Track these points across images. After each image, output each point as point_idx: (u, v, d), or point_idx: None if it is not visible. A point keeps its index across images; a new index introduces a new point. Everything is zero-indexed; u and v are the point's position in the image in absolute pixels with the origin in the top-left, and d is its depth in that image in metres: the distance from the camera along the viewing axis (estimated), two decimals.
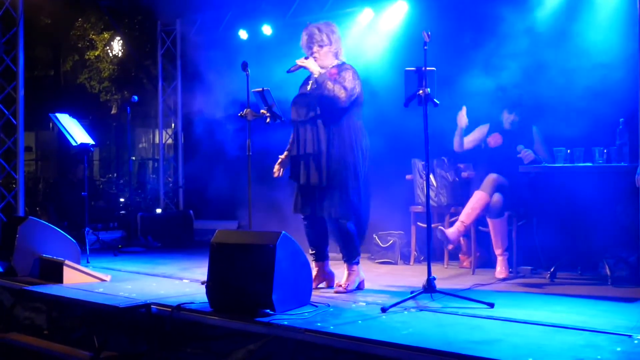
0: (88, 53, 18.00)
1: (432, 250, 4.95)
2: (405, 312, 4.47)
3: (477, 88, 6.31)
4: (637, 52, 5.24)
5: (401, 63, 5.97)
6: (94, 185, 12.05)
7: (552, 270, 5.77)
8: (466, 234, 6.23)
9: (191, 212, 9.77)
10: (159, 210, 10.49)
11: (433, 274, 4.77)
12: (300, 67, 5.29)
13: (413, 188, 7.03)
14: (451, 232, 5.95)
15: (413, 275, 6.09)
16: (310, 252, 5.42)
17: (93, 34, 17.79)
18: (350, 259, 5.34)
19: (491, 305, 4.53)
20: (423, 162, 5.98)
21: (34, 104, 13.78)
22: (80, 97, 18.10)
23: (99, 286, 5.71)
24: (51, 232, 6.45)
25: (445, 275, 6.06)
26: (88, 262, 7.04)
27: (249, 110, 5.58)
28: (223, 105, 8.47)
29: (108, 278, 6.08)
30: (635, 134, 5.36)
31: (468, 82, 6.41)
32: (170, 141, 11.77)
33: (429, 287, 4.74)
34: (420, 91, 4.72)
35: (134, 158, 18.08)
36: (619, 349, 3.47)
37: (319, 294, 5.10)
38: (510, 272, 6.01)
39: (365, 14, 8.05)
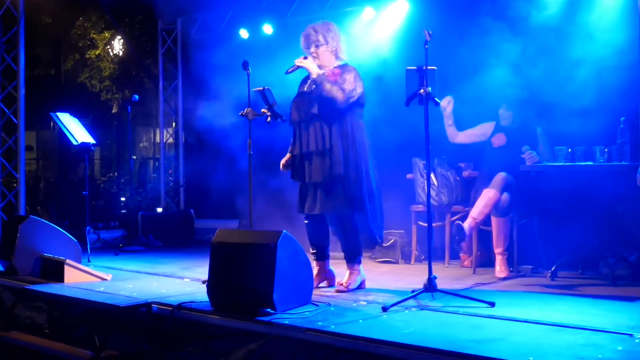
0: (89, 52, 18.00)
1: (432, 250, 4.95)
2: (406, 311, 4.47)
3: (477, 88, 6.30)
4: (639, 51, 5.24)
5: (402, 62, 5.97)
6: (94, 185, 12.06)
7: (553, 269, 5.77)
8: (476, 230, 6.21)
9: (192, 211, 9.78)
10: (159, 210, 10.49)
11: (434, 273, 4.77)
12: (299, 67, 5.29)
13: (414, 187, 7.03)
14: (465, 227, 5.94)
15: (414, 275, 6.09)
16: (311, 251, 5.42)
17: (94, 33, 17.80)
18: (353, 258, 5.33)
19: (492, 305, 4.53)
20: (424, 161, 5.98)
21: (35, 103, 13.80)
22: (81, 96, 18.11)
23: (99, 285, 5.71)
24: (52, 231, 6.45)
25: (446, 275, 6.06)
26: (89, 261, 7.04)
27: (249, 109, 5.58)
28: (224, 105, 8.46)
29: (109, 277, 6.08)
30: (636, 133, 5.37)
31: (469, 81, 6.41)
32: (171, 140, 11.77)
33: (430, 286, 4.74)
34: (421, 90, 4.72)
35: (134, 157, 18.08)
36: (620, 348, 3.46)
37: (320, 293, 5.11)
38: (511, 271, 6.01)
39: (366, 13, 8.05)
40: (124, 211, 11.25)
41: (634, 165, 5.26)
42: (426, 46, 4.71)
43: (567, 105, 6.06)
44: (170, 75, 10.95)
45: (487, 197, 5.95)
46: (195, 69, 9.67)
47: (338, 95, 5.13)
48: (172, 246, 8.95)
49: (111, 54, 18.13)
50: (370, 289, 5.40)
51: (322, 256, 5.47)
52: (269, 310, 4.31)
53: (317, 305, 4.57)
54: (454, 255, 6.75)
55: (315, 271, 5.32)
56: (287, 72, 5.35)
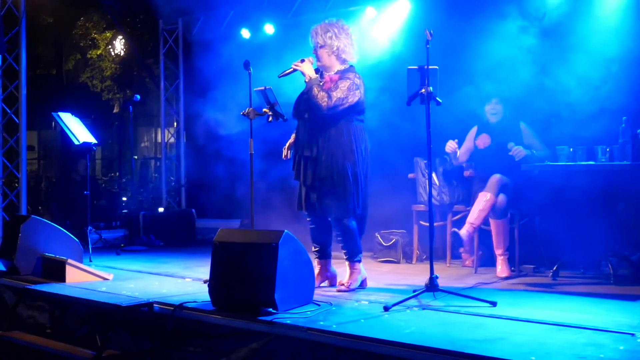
0: (90, 52, 18.00)
1: (434, 249, 4.95)
2: (408, 311, 4.47)
3: (478, 87, 6.31)
4: None
5: (403, 62, 5.97)
6: (96, 184, 12.06)
7: (554, 268, 5.76)
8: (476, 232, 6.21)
9: (193, 210, 9.78)
10: (161, 209, 10.50)
11: (435, 273, 4.77)
12: (294, 70, 5.29)
13: (415, 187, 7.03)
14: (462, 233, 5.94)
15: (415, 274, 6.10)
16: (313, 250, 5.43)
17: (95, 33, 17.80)
18: (352, 257, 5.34)
19: (494, 304, 4.53)
20: (425, 161, 5.98)
21: (37, 103, 13.80)
22: (82, 96, 18.11)
23: (101, 285, 5.71)
24: (54, 231, 6.46)
25: (448, 274, 6.06)
26: (90, 260, 7.04)
27: (251, 109, 5.58)
28: (225, 104, 8.46)
29: (110, 277, 6.08)
30: (637, 133, 5.36)
31: (470, 81, 6.41)
32: (172, 140, 11.78)
33: (432, 286, 4.73)
34: (423, 90, 4.72)
35: (136, 157, 18.09)
36: (621, 347, 3.46)
37: (322, 293, 5.10)
38: (512, 271, 6.01)
39: (367, 13, 8.05)
40: (125, 211, 11.27)
41: (636, 165, 5.26)
42: (427, 46, 4.71)
43: (568, 104, 6.06)
44: (172, 75, 10.96)
45: (482, 201, 5.95)
46: (197, 69, 9.67)
47: (322, 102, 5.13)
48: (174, 246, 8.96)
49: (112, 53, 18.13)
50: (372, 288, 5.40)
51: (324, 255, 5.47)
52: (270, 309, 4.31)
53: (319, 305, 4.57)
54: (456, 255, 6.75)
55: (316, 270, 5.32)
56: (280, 76, 5.35)
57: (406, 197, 7.14)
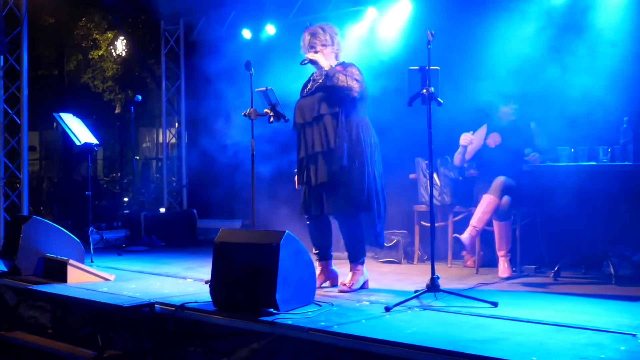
0: (92, 52, 18.01)
1: (435, 250, 4.95)
2: (409, 311, 4.47)
3: (479, 87, 6.30)
4: None
5: (404, 62, 5.97)
6: (98, 185, 12.07)
7: (556, 269, 5.76)
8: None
9: (195, 211, 9.79)
10: (162, 210, 10.51)
11: (437, 273, 4.77)
12: (311, 60, 5.28)
13: (417, 187, 7.03)
14: (465, 237, 5.93)
15: (417, 275, 6.10)
16: (314, 251, 5.42)
17: (97, 34, 17.81)
18: (356, 258, 5.33)
19: (495, 305, 4.53)
20: (427, 161, 5.98)
21: (38, 103, 13.81)
22: (84, 96, 18.12)
23: (102, 285, 5.71)
24: (55, 231, 6.46)
25: (449, 275, 6.07)
26: (92, 261, 7.05)
27: (252, 109, 5.58)
28: (226, 105, 8.47)
29: (112, 277, 6.09)
30: (639, 133, 5.35)
31: (471, 80, 6.41)
32: (173, 140, 11.79)
33: (433, 286, 4.73)
34: (424, 90, 4.72)
35: (137, 157, 18.11)
36: (622, 347, 3.46)
37: (323, 293, 5.11)
38: (514, 271, 6.00)
39: (369, 13, 8.06)
40: (126, 211, 11.27)
41: (637, 165, 5.26)
42: (429, 46, 4.71)
43: (570, 104, 6.06)
44: (173, 76, 10.97)
45: (486, 203, 5.94)
46: (198, 70, 9.67)
47: (354, 84, 5.14)
48: (175, 246, 8.96)
49: (114, 54, 18.14)
50: (373, 289, 5.40)
51: (325, 256, 5.47)
52: (271, 310, 4.31)
53: (320, 305, 4.57)
54: (457, 255, 6.74)
55: (318, 271, 5.32)
56: (302, 63, 5.33)
57: (407, 198, 7.14)
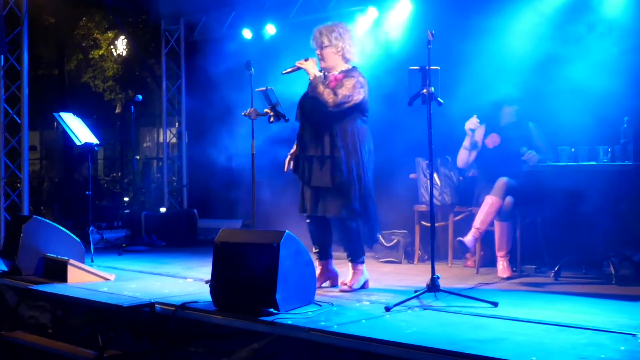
0: (92, 52, 18.01)
1: (435, 250, 4.95)
2: (409, 311, 4.47)
3: (480, 86, 6.30)
4: None
5: (405, 62, 5.97)
6: (98, 185, 12.07)
7: (556, 269, 5.76)
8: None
9: (195, 211, 9.78)
10: (163, 210, 10.51)
11: (437, 273, 4.77)
12: (299, 68, 5.29)
13: (417, 187, 7.03)
14: (468, 240, 5.91)
15: (417, 274, 6.09)
16: (314, 250, 5.43)
17: (97, 33, 17.80)
18: (356, 258, 5.34)
19: (495, 304, 4.53)
20: (427, 161, 5.98)
21: (38, 103, 13.82)
22: (84, 96, 18.12)
23: (103, 285, 5.72)
24: (55, 231, 6.46)
25: (449, 275, 6.06)
26: (92, 261, 7.05)
27: (252, 109, 5.58)
28: (227, 104, 8.47)
29: (112, 277, 6.09)
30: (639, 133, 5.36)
31: (471, 81, 6.41)
32: (174, 140, 11.79)
33: (433, 286, 4.73)
34: (424, 90, 4.72)
35: (138, 157, 18.11)
36: (622, 347, 3.46)
37: (323, 293, 5.11)
38: (514, 271, 6.00)
39: (369, 13, 8.05)
40: (127, 211, 11.28)
41: (638, 165, 5.25)
42: (429, 46, 4.71)
43: (570, 104, 6.05)
44: (174, 75, 10.97)
45: (488, 204, 5.92)
46: (199, 69, 9.68)
47: (329, 99, 5.13)
48: (176, 246, 8.96)
49: (114, 54, 18.13)
50: (373, 288, 5.41)
51: (325, 255, 5.47)
52: (271, 310, 4.31)
53: (320, 305, 4.57)
54: (457, 255, 6.74)
55: (318, 271, 5.32)
56: (284, 73, 5.35)
57: (408, 198, 7.14)
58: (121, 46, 18.04)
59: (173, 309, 4.65)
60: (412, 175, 7.10)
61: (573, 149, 5.63)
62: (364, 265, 5.40)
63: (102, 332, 4.88)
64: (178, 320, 4.61)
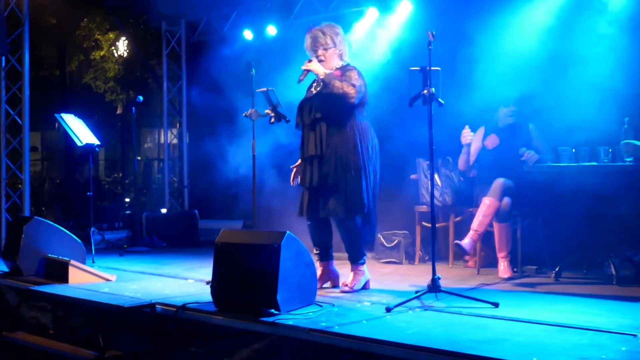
0: (93, 53, 18.03)
1: (436, 250, 4.95)
2: (410, 312, 4.47)
3: (480, 87, 6.30)
4: None
5: (406, 63, 5.97)
6: (99, 185, 12.09)
7: (557, 269, 5.76)
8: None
9: (196, 211, 9.79)
10: (164, 210, 10.51)
11: (438, 274, 4.77)
12: (308, 71, 5.28)
13: (418, 188, 7.03)
14: (466, 243, 5.90)
15: (418, 275, 6.09)
16: (315, 251, 5.43)
17: (98, 34, 17.82)
18: (356, 259, 5.34)
19: (496, 305, 4.53)
20: (428, 162, 5.97)
21: (40, 104, 13.84)
22: (85, 97, 18.14)
23: (104, 286, 5.72)
24: (56, 232, 6.47)
25: (450, 275, 6.06)
26: (93, 262, 7.05)
27: (253, 110, 5.59)
28: (228, 105, 8.48)
29: (113, 278, 6.09)
30: None
31: (472, 81, 6.41)
32: (175, 141, 11.80)
33: (434, 287, 4.73)
34: (425, 91, 4.72)
35: (139, 158, 18.13)
36: (623, 348, 3.46)
37: (324, 294, 5.11)
38: (514, 272, 6.00)
39: (370, 14, 8.05)
40: (128, 212, 11.28)
41: (638, 166, 5.25)
42: (430, 47, 4.71)
43: (570, 105, 6.05)
44: (175, 76, 10.98)
45: (486, 206, 5.92)
46: (200, 70, 9.69)
47: (350, 90, 5.12)
48: (176, 247, 8.96)
49: (116, 54, 18.15)
50: (374, 289, 5.40)
51: (326, 256, 5.47)
52: (272, 310, 4.31)
53: (321, 306, 4.57)
54: (458, 256, 6.74)
55: (319, 272, 5.32)
56: (299, 81, 5.32)
57: (408, 198, 7.14)
58: (122, 47, 18.06)
59: (174, 309, 4.65)
60: (413, 176, 7.10)
61: (574, 150, 5.62)
62: (365, 265, 5.40)
63: (103, 332, 4.88)
64: (179, 321, 4.61)
